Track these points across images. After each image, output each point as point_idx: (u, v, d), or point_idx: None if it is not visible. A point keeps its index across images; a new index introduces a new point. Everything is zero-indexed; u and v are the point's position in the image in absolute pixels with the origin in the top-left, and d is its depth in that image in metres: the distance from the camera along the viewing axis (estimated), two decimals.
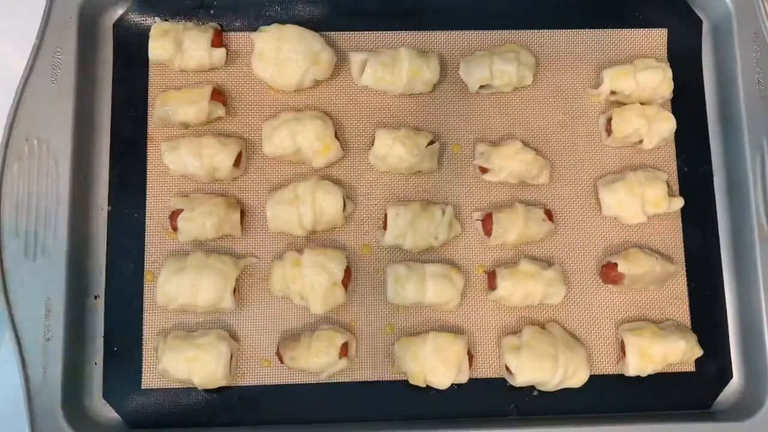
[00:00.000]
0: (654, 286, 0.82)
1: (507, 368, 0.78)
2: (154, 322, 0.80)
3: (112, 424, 0.79)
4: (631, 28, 0.88)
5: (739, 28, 0.85)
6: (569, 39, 0.87)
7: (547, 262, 0.82)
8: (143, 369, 0.79)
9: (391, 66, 0.82)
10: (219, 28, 0.85)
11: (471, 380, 0.79)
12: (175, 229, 0.79)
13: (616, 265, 0.80)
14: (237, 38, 0.85)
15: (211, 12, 0.86)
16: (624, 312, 0.83)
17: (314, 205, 0.78)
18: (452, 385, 0.78)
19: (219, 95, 0.83)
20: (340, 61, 0.85)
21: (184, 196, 0.81)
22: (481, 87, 0.84)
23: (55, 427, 0.75)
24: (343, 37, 0.86)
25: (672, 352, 0.78)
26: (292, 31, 0.81)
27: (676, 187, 0.85)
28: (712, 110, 0.88)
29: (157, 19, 0.85)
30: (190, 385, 0.77)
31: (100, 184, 0.83)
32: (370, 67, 0.82)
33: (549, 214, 0.82)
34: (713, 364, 0.82)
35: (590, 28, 0.88)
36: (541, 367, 0.76)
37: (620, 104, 0.85)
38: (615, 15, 0.88)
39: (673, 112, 0.85)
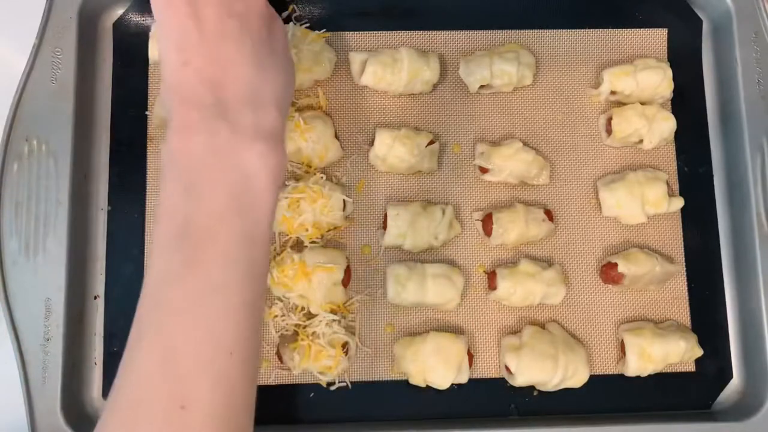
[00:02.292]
0: (654, 286, 0.82)
1: (507, 368, 0.78)
2: None
3: None
4: (631, 28, 0.88)
5: (739, 28, 0.85)
6: (569, 39, 0.88)
7: (547, 262, 0.82)
8: None
9: (391, 66, 0.82)
10: None
11: (471, 380, 0.79)
12: None
13: (616, 265, 0.80)
14: None
15: None
16: (624, 312, 0.83)
17: (314, 206, 0.78)
18: (452, 385, 0.78)
19: None
20: (340, 61, 0.85)
21: None
22: (481, 87, 0.84)
23: (55, 427, 0.75)
24: (343, 37, 0.86)
25: (672, 352, 0.78)
26: (292, 30, 0.81)
27: (676, 187, 0.85)
28: (712, 110, 0.88)
29: None
30: None
31: (100, 184, 0.83)
32: (370, 67, 0.82)
33: (549, 214, 0.82)
34: (713, 364, 0.82)
35: (590, 28, 0.88)
36: (541, 367, 0.76)
37: (620, 104, 0.85)
38: (615, 15, 0.88)
39: (673, 112, 0.85)
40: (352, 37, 0.86)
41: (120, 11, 0.86)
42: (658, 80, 0.83)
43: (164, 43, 0.61)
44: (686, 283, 0.83)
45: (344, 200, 0.80)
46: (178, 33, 0.60)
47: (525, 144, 0.83)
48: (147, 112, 0.84)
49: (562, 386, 0.78)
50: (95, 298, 0.81)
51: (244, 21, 0.62)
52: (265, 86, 0.62)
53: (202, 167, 0.57)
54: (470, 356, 0.79)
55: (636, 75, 0.83)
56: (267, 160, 0.59)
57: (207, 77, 0.59)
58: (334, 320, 0.77)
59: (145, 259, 0.81)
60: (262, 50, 0.63)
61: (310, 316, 0.79)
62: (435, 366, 0.76)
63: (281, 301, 0.80)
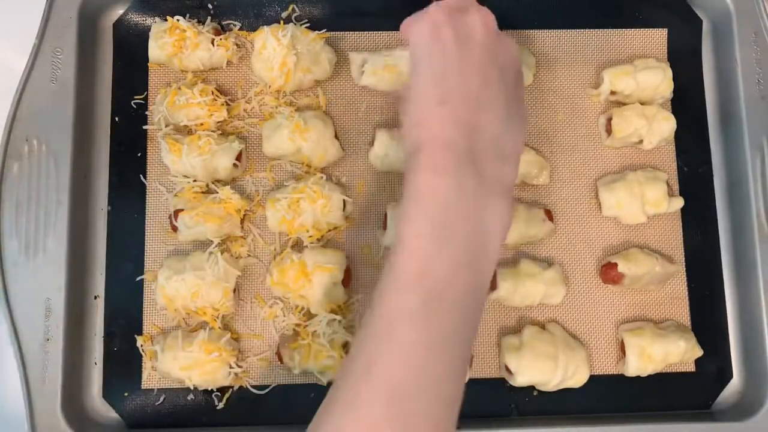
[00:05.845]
0: (654, 286, 0.82)
1: (507, 368, 0.78)
2: (154, 322, 0.80)
3: (112, 424, 0.79)
4: (631, 28, 0.88)
5: (739, 28, 0.85)
6: (569, 39, 0.87)
7: (547, 262, 0.82)
8: (143, 369, 0.79)
9: (391, 66, 0.82)
10: (219, 28, 0.85)
11: (471, 380, 0.79)
12: (175, 229, 0.79)
13: (616, 265, 0.80)
14: (237, 38, 0.85)
15: (211, 12, 0.86)
16: (624, 312, 0.83)
17: (314, 206, 0.78)
18: None
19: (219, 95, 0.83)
20: (340, 61, 0.85)
21: (184, 196, 0.81)
22: None
23: (54, 427, 0.75)
24: (343, 37, 0.86)
25: (672, 352, 0.78)
26: (292, 30, 0.81)
27: (676, 187, 0.85)
28: (712, 110, 0.88)
29: (157, 18, 0.85)
30: (190, 385, 0.77)
31: (100, 184, 0.83)
32: (370, 67, 0.82)
33: (549, 214, 0.82)
34: (713, 364, 0.82)
35: (590, 28, 0.88)
36: (541, 367, 0.76)
37: (620, 104, 0.85)
38: (615, 15, 0.88)
39: (673, 112, 0.85)
40: (352, 37, 0.86)
41: (120, 11, 0.86)
42: (658, 80, 0.83)
43: (422, 74, 0.62)
44: (686, 283, 0.83)
45: (344, 200, 0.80)
46: (440, 69, 0.61)
47: (525, 144, 0.83)
48: (147, 112, 0.84)
49: (562, 386, 0.78)
50: (95, 298, 0.81)
51: (504, 71, 0.64)
52: (508, 139, 0.62)
53: (450, 212, 0.57)
54: (470, 356, 0.79)
55: (636, 75, 0.83)
56: (503, 216, 0.60)
57: (463, 121, 0.60)
58: (334, 320, 0.77)
59: (145, 259, 0.81)
60: (512, 102, 0.64)
61: (310, 316, 0.79)
62: None
63: (281, 301, 0.80)
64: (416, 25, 0.65)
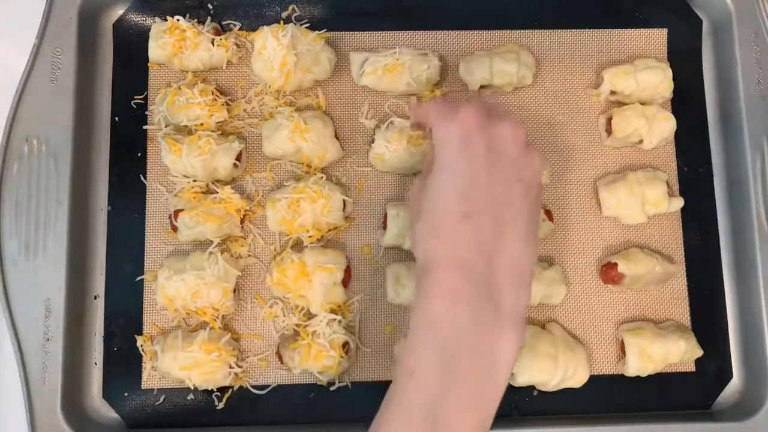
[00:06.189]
0: (654, 286, 0.82)
1: None
2: (154, 322, 0.80)
3: (111, 424, 0.79)
4: (631, 28, 0.88)
5: (739, 28, 0.85)
6: (569, 39, 0.87)
7: (547, 262, 0.82)
8: (143, 369, 0.79)
9: (391, 66, 0.82)
10: (219, 28, 0.85)
11: None
12: (175, 229, 0.79)
13: (616, 265, 0.80)
14: (237, 38, 0.85)
15: (211, 12, 0.86)
16: (624, 312, 0.83)
17: (314, 206, 0.78)
18: None
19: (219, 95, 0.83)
20: (340, 61, 0.85)
21: (184, 196, 0.81)
22: (482, 87, 0.84)
23: (54, 427, 0.75)
24: (343, 37, 0.86)
25: (672, 352, 0.78)
26: (292, 30, 0.81)
27: (676, 187, 0.85)
28: (712, 110, 0.88)
29: (157, 18, 0.85)
30: (190, 385, 0.77)
31: (100, 184, 0.83)
32: (370, 67, 0.82)
33: (549, 214, 0.82)
34: (713, 364, 0.82)
35: (590, 28, 0.88)
36: (541, 367, 0.76)
37: (620, 104, 0.85)
38: (615, 15, 0.88)
39: (673, 112, 0.85)
40: (352, 37, 0.86)
41: (120, 11, 0.86)
42: (658, 80, 0.83)
43: (445, 181, 0.59)
44: (686, 283, 0.83)
45: (344, 200, 0.80)
46: (468, 180, 0.59)
47: None
48: (147, 113, 0.84)
49: (562, 386, 0.78)
50: (95, 298, 0.81)
51: (528, 188, 0.62)
52: (526, 261, 0.60)
53: (462, 348, 0.55)
54: None
55: (636, 75, 0.83)
56: (513, 349, 0.57)
57: (484, 240, 0.57)
58: (334, 320, 0.77)
59: (145, 259, 0.81)
60: (531, 220, 0.62)
61: (310, 316, 0.79)
62: None
63: (281, 301, 0.80)
64: (446, 127, 0.62)
